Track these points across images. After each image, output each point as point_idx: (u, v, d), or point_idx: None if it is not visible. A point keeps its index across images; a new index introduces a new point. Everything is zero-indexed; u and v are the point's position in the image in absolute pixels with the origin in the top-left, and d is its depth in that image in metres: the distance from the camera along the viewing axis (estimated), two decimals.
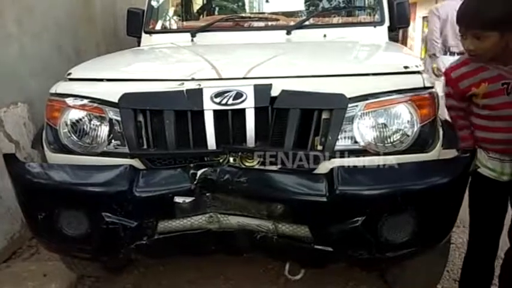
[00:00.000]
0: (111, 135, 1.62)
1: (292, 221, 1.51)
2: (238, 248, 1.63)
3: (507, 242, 1.76)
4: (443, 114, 1.82)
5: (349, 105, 1.52)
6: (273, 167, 1.55)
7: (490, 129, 1.68)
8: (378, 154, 1.54)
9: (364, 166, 1.51)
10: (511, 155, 1.67)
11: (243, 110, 1.52)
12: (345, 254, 1.55)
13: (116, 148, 1.63)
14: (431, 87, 1.58)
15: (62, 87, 1.72)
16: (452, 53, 4.39)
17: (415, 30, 18.11)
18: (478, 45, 1.56)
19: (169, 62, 2.22)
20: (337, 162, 1.52)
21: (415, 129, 1.53)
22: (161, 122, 1.56)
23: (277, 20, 2.60)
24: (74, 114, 1.66)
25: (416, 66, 1.61)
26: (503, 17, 1.50)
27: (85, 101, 1.65)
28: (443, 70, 3.96)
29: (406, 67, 1.60)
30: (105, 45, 3.85)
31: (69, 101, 1.66)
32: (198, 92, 1.54)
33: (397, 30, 2.59)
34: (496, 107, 1.63)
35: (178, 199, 1.48)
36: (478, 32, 1.54)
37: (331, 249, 1.51)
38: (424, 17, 17.58)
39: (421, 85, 1.56)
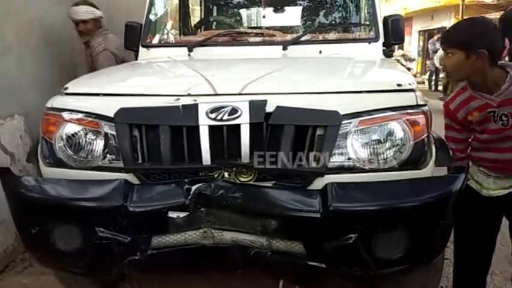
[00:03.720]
0: (106, 150, 1.62)
1: (286, 237, 1.51)
2: (232, 264, 1.63)
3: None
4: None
5: (343, 122, 1.53)
6: (268, 183, 1.56)
7: (485, 150, 1.76)
8: (371, 171, 1.55)
9: (357, 182, 1.52)
10: (497, 172, 1.76)
11: (238, 126, 1.53)
12: (339, 271, 1.55)
13: (111, 162, 1.63)
14: (424, 105, 1.60)
15: (58, 101, 1.73)
16: None
17: (411, 44, 18.30)
18: (447, 61, 1.69)
19: (166, 77, 2.24)
20: (331, 178, 1.53)
21: (408, 146, 1.54)
22: (156, 137, 1.57)
23: (274, 35, 2.63)
24: (70, 128, 1.66)
25: (409, 83, 1.64)
26: (468, 37, 1.63)
27: (81, 115, 1.66)
28: None
29: (399, 85, 1.62)
30: None
31: (65, 115, 1.67)
32: (194, 108, 1.55)
33: (392, 46, 2.62)
34: (487, 132, 1.72)
35: (172, 214, 1.48)
36: (445, 47, 1.69)
37: (324, 265, 1.51)
38: (420, 31, 17.81)
39: (414, 103, 1.58)
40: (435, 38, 11.63)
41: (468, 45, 1.61)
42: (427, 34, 16.42)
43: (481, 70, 1.64)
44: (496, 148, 1.73)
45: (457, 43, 1.64)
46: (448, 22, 14.30)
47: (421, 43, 17.38)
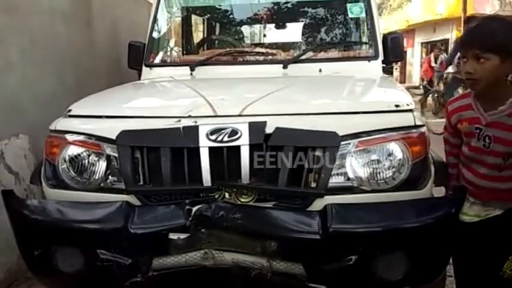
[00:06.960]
0: (108, 172, 1.65)
1: (286, 258, 1.51)
2: (232, 285, 1.63)
3: None
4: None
5: (342, 142, 1.55)
6: (268, 204, 1.57)
7: (464, 166, 1.69)
8: (370, 191, 1.56)
9: (357, 204, 1.53)
10: (474, 197, 1.65)
11: (238, 147, 1.55)
12: None
13: (113, 184, 1.65)
14: (423, 125, 1.61)
15: (61, 123, 1.76)
16: None
17: (414, 55, 18.37)
18: (477, 68, 1.51)
19: (167, 98, 2.27)
20: (330, 199, 1.53)
21: (407, 166, 1.55)
22: (157, 159, 1.59)
23: (275, 54, 2.66)
24: (73, 150, 1.69)
25: (408, 104, 1.65)
26: (505, 43, 1.48)
27: (83, 138, 1.68)
28: None
29: (397, 105, 1.64)
30: (107, 76, 3.91)
31: (68, 137, 1.70)
32: (194, 129, 1.58)
33: (391, 63, 2.65)
34: (469, 148, 1.64)
35: (173, 236, 1.49)
36: (478, 53, 1.50)
37: (325, 287, 1.51)
38: (422, 43, 17.90)
39: (412, 123, 1.59)
40: (436, 51, 11.64)
41: (506, 51, 1.48)
42: (429, 46, 16.50)
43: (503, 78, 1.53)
44: (472, 169, 1.64)
45: (493, 48, 1.49)
46: (450, 34, 14.37)
47: (424, 55, 17.45)
